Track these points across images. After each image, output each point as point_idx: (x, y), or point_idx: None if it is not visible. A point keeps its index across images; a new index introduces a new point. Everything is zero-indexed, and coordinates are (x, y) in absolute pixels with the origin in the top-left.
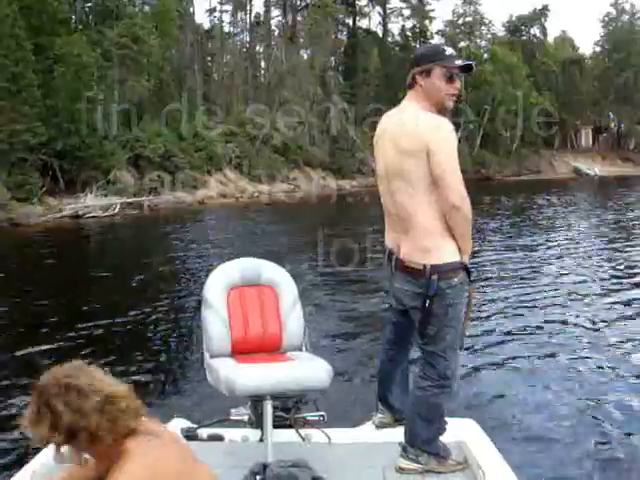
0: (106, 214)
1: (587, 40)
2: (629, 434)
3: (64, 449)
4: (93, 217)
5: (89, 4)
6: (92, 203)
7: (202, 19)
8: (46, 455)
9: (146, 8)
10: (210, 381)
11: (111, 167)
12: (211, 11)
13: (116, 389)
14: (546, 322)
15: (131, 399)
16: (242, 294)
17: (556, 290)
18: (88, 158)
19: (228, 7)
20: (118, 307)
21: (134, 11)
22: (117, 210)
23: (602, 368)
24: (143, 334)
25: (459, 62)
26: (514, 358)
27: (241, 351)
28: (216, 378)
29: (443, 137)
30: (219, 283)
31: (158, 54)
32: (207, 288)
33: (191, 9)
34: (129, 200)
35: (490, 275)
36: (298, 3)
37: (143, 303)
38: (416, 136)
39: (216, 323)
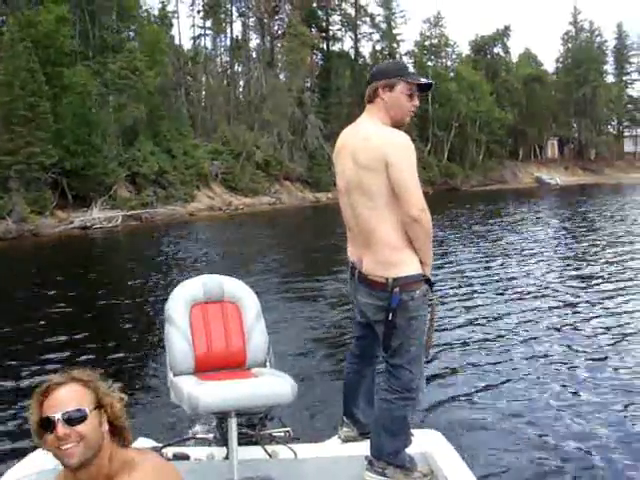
0: (110, 225)
1: (551, 56)
2: (601, 437)
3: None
4: (99, 228)
5: (89, 38)
6: (97, 216)
7: (183, 40)
8: (23, 466)
9: (135, 43)
10: (173, 399)
11: (112, 183)
12: (195, 38)
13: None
14: (509, 330)
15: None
16: (205, 311)
17: (518, 296)
18: (92, 176)
19: (209, 31)
20: (96, 315)
21: (134, 46)
22: (119, 222)
23: (570, 373)
24: (107, 350)
25: (423, 80)
26: (478, 368)
27: (204, 368)
28: (179, 396)
29: (401, 150)
30: (181, 300)
31: (152, 82)
32: (169, 305)
33: (172, 32)
34: (129, 213)
35: (452, 285)
36: (276, 29)
37: (115, 313)
38: (374, 150)
39: (179, 341)
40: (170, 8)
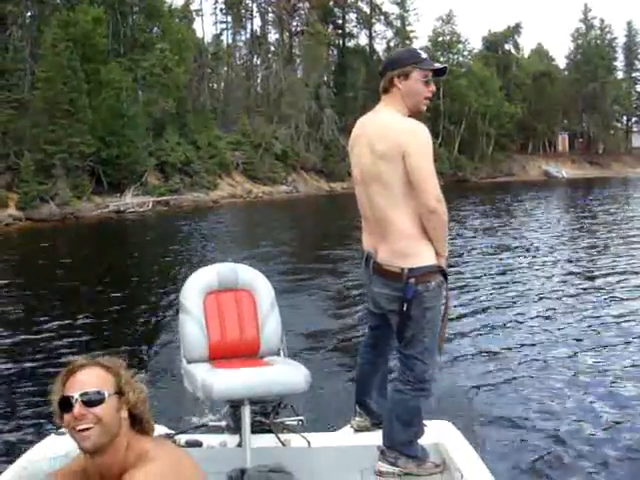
0: (141, 210)
1: (563, 52)
2: (613, 429)
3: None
4: (132, 212)
5: (119, 37)
6: (130, 201)
7: (206, 35)
8: (29, 456)
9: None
10: (187, 387)
11: (143, 172)
12: (218, 35)
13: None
14: (522, 320)
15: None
16: (219, 299)
17: (528, 286)
18: (125, 164)
19: (230, 27)
20: (118, 298)
21: (165, 45)
22: (150, 207)
23: (582, 363)
24: (122, 337)
25: (437, 65)
26: (490, 357)
27: (218, 356)
28: (193, 383)
29: (419, 141)
30: (196, 289)
31: (181, 78)
32: (184, 294)
33: (195, 27)
34: (158, 199)
35: (463, 273)
36: (295, 25)
37: (135, 298)
38: (392, 140)
39: (193, 329)
40: (195, 6)
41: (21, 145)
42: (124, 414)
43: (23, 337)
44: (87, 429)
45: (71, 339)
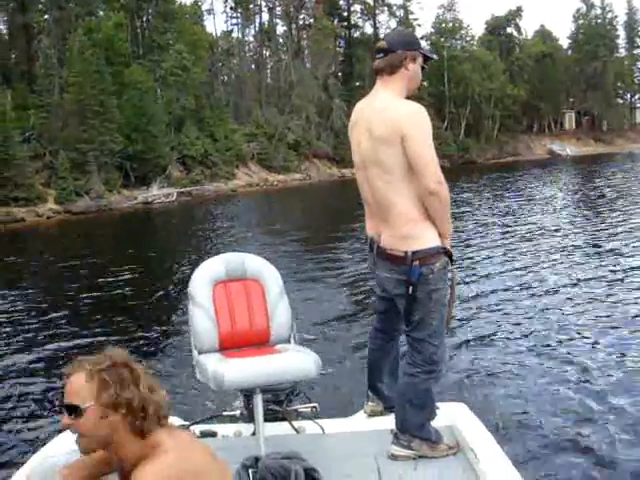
0: (167, 200)
1: (566, 32)
2: (623, 416)
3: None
4: (159, 203)
5: (138, 39)
6: (156, 193)
7: (217, 31)
8: (45, 452)
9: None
10: (199, 377)
11: (166, 165)
12: (229, 32)
13: (155, 382)
14: (535, 298)
15: (163, 396)
16: (228, 289)
17: (538, 265)
18: (150, 159)
19: (239, 22)
20: (137, 290)
21: (181, 47)
22: (175, 197)
23: (594, 346)
24: (136, 329)
25: (435, 56)
26: (502, 338)
27: (229, 346)
28: (204, 374)
29: (417, 123)
30: (204, 279)
31: (198, 77)
32: (192, 284)
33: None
34: (182, 190)
35: (472, 254)
36: (302, 18)
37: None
38: (390, 122)
39: (203, 319)
40: (206, 6)
41: (54, 145)
42: (114, 417)
43: (44, 321)
44: (77, 436)
45: (95, 324)
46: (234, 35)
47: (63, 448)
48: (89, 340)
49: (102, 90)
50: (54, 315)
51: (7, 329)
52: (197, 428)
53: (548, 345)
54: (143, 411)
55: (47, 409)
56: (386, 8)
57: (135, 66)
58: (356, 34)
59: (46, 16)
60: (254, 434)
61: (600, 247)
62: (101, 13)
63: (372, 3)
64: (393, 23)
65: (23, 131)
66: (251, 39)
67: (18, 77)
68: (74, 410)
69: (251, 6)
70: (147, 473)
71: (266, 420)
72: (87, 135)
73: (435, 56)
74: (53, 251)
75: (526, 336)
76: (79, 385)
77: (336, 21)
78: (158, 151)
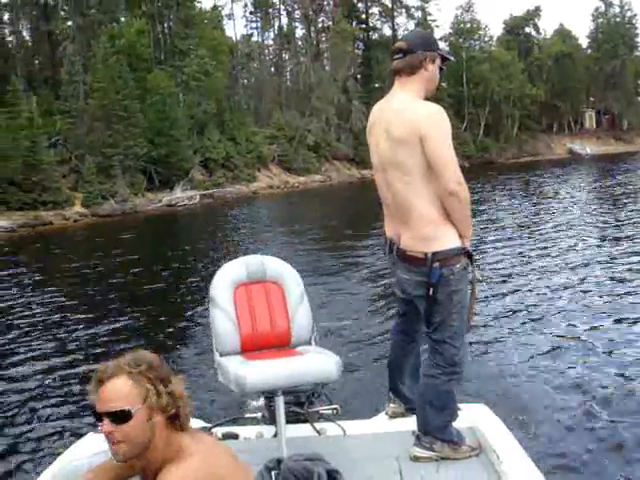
0: (191, 203)
1: (584, 31)
2: None
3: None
4: (182, 205)
5: (160, 45)
6: (179, 195)
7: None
8: (69, 455)
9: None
10: (221, 379)
11: (189, 168)
12: (249, 36)
13: (182, 388)
14: (555, 299)
15: (187, 400)
16: (248, 291)
17: (562, 265)
18: (173, 162)
19: (258, 26)
20: (157, 294)
21: (204, 52)
22: (197, 200)
23: (622, 348)
24: (158, 330)
25: (452, 57)
26: (524, 339)
27: (250, 348)
28: (226, 376)
29: (437, 123)
30: (225, 282)
31: (220, 81)
32: (213, 287)
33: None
34: (204, 192)
35: (493, 254)
36: (320, 21)
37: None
38: (409, 123)
39: (224, 322)
40: (227, 10)
41: (80, 150)
42: (157, 418)
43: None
44: (117, 443)
45: (120, 326)
46: (254, 39)
47: (87, 451)
48: (108, 339)
49: (126, 95)
50: (81, 316)
51: (39, 328)
52: (219, 430)
53: (575, 345)
54: (178, 409)
55: (71, 411)
56: (404, 10)
57: (157, 71)
58: (374, 36)
59: (69, 23)
60: (276, 436)
61: (626, 247)
62: (123, 20)
63: (390, 5)
64: (411, 25)
65: (49, 136)
66: (270, 42)
67: (42, 83)
68: (121, 416)
69: (270, 10)
70: (173, 476)
71: (287, 422)
72: (112, 140)
73: (452, 58)
74: (81, 253)
75: (550, 336)
76: (125, 389)
77: (354, 24)
78: (181, 154)
